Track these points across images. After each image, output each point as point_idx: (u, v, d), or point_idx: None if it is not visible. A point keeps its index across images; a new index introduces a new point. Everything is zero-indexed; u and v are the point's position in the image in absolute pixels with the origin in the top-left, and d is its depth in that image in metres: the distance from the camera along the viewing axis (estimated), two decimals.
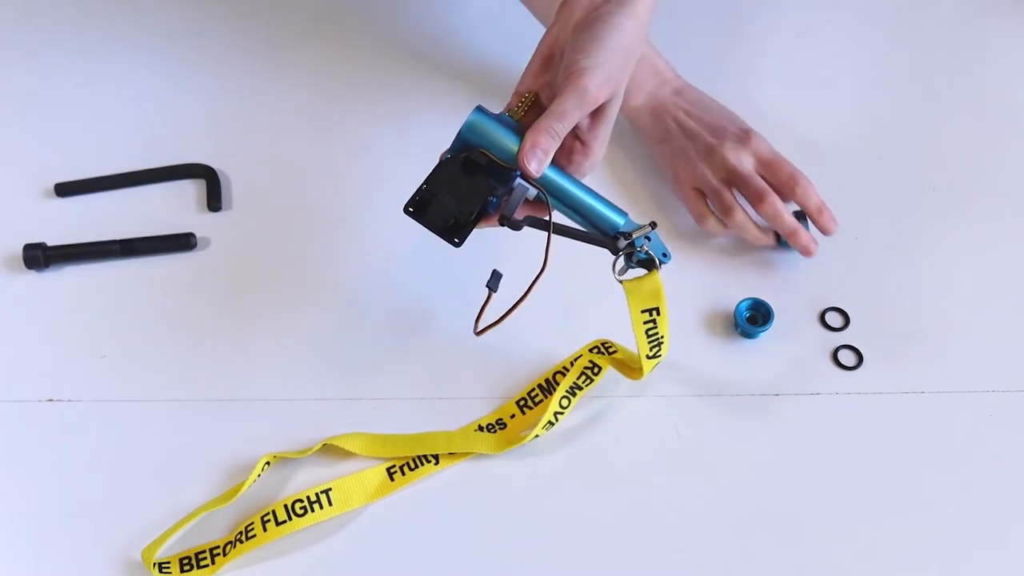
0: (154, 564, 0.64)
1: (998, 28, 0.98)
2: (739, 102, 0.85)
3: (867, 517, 0.68)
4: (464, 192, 0.60)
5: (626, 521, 0.68)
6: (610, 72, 0.61)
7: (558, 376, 0.73)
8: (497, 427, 0.71)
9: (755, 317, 0.76)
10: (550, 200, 0.62)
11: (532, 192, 0.62)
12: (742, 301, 0.76)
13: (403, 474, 0.69)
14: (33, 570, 0.66)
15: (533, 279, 0.61)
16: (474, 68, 0.93)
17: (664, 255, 0.65)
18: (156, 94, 0.92)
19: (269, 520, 0.66)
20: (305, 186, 0.86)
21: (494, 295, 0.64)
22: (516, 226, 0.61)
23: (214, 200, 0.84)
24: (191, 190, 0.86)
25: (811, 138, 0.89)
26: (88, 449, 0.71)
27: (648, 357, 0.68)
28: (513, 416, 0.72)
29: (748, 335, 0.76)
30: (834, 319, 0.77)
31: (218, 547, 0.66)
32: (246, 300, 0.79)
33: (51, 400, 0.73)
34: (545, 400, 0.72)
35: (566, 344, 0.74)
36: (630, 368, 0.71)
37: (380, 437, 0.70)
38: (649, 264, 0.65)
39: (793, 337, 0.76)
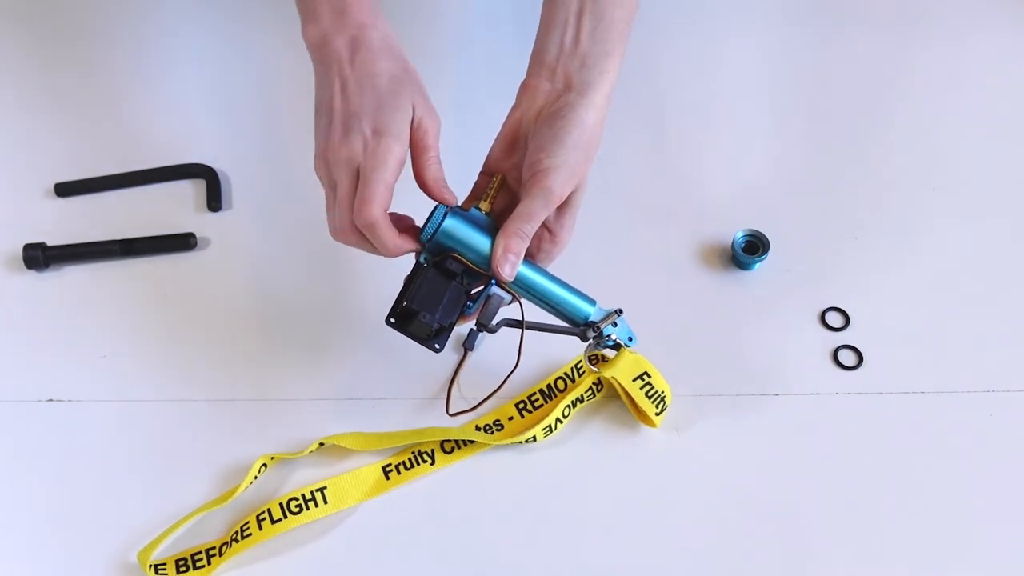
0: (150, 566, 0.64)
1: (994, 27, 0.98)
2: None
3: (867, 517, 0.67)
4: (442, 301, 0.63)
5: (625, 521, 0.67)
6: (572, 169, 0.63)
7: (559, 382, 0.73)
8: (495, 428, 0.71)
9: (753, 246, 0.79)
10: (523, 298, 0.66)
11: (508, 298, 0.65)
12: (739, 231, 0.79)
13: (399, 473, 0.69)
14: (30, 570, 0.66)
15: (507, 374, 0.69)
16: (478, 67, 0.94)
17: (630, 339, 0.68)
18: (156, 94, 0.92)
19: (264, 519, 0.66)
20: (305, 186, 0.85)
21: (470, 353, 0.73)
22: (493, 330, 0.66)
23: (214, 200, 0.84)
24: (191, 190, 0.86)
25: (810, 137, 0.89)
26: (87, 449, 0.71)
27: (656, 414, 0.70)
28: (511, 418, 0.72)
29: (743, 266, 0.77)
30: (834, 319, 0.77)
31: (214, 548, 0.66)
32: (246, 300, 0.79)
33: (51, 400, 0.73)
34: (546, 405, 0.72)
35: (565, 350, 0.74)
36: (644, 417, 0.71)
37: (377, 433, 0.71)
38: (616, 347, 0.68)
39: (793, 337, 0.76)
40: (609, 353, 0.70)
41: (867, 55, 0.96)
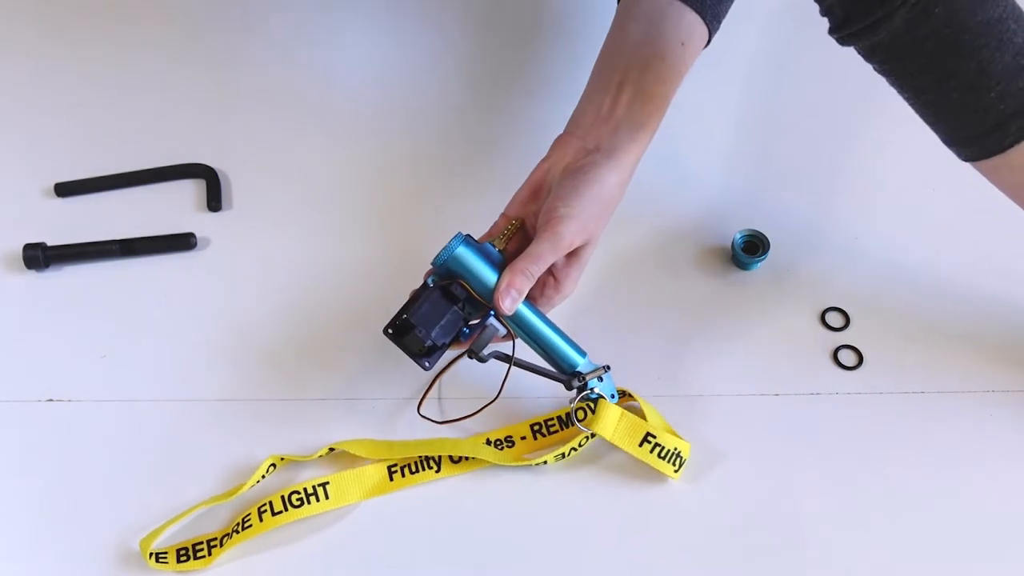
0: (150, 554, 0.64)
1: None
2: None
3: (867, 517, 0.67)
4: (440, 321, 0.65)
5: (625, 522, 0.68)
6: (585, 222, 0.66)
7: (579, 412, 0.70)
8: (505, 444, 0.71)
9: (753, 246, 0.79)
10: (516, 336, 0.67)
11: (502, 331, 0.66)
12: (739, 232, 0.79)
13: (403, 476, 0.69)
14: (30, 571, 0.66)
15: (486, 403, 0.68)
16: (475, 69, 0.94)
17: (612, 395, 0.70)
18: (156, 94, 0.92)
19: (265, 511, 0.66)
20: (305, 186, 0.86)
21: (473, 361, 0.71)
22: (483, 360, 0.67)
23: (214, 200, 0.84)
24: (191, 190, 0.86)
25: (811, 136, 0.89)
26: (88, 449, 0.71)
27: (676, 471, 0.68)
28: (524, 438, 0.71)
29: (743, 265, 0.78)
30: (834, 319, 0.77)
31: (215, 539, 0.66)
32: (246, 300, 0.79)
33: (51, 400, 0.73)
34: (561, 432, 0.71)
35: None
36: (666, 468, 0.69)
37: (387, 442, 0.70)
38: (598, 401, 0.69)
39: (793, 337, 0.76)
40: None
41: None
